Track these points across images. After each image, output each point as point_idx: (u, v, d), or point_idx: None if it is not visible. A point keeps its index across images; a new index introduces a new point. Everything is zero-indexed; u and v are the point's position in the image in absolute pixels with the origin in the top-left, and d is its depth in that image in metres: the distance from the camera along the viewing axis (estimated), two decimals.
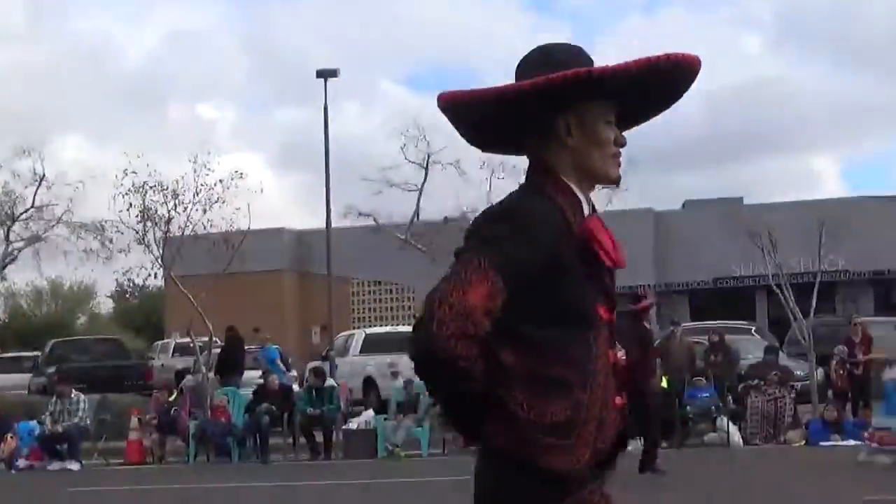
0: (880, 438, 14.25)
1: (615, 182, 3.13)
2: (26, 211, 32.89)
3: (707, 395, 19.97)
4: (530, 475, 2.90)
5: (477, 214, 3.03)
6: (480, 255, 2.85)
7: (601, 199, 29.07)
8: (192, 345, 25.88)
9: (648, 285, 41.52)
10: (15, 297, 76.36)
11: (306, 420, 20.80)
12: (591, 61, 3.07)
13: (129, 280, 37.35)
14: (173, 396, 22.46)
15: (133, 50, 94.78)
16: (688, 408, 19.93)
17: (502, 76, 78.59)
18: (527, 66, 3.08)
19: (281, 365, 25.74)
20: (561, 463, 2.89)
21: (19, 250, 33.12)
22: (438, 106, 3.15)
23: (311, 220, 56.14)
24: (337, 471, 18.83)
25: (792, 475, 14.62)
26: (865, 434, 15.40)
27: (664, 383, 20.19)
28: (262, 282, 41.38)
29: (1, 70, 77.94)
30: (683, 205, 46.24)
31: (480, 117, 3.12)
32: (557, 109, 3.03)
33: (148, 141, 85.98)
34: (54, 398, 21.31)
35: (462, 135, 3.27)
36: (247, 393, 22.25)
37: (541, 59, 3.06)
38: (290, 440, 21.25)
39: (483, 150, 3.42)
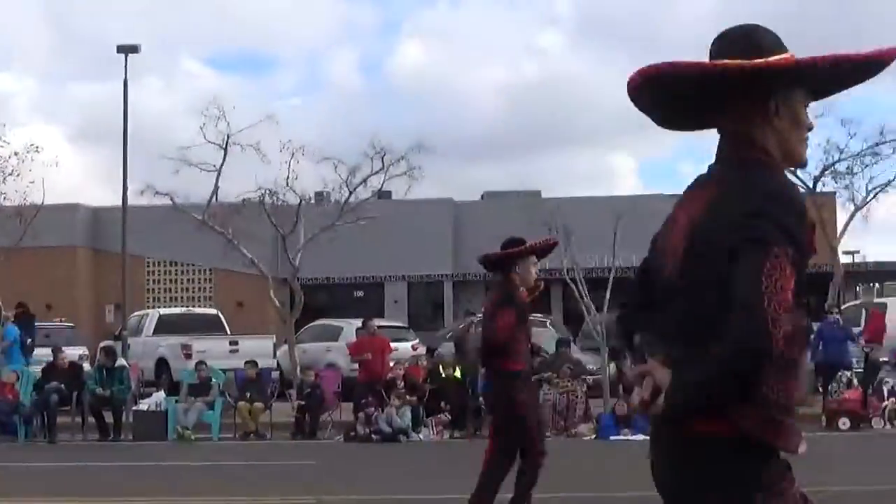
0: None
1: (804, 165, 3.37)
2: None
3: None
4: (768, 455, 3.09)
5: (754, 195, 3.07)
6: (785, 246, 2.97)
7: (401, 187, 29.49)
8: None
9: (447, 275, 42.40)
10: None
11: (96, 400, 20.52)
12: (786, 48, 3.25)
13: None
14: None
15: None
16: (480, 398, 20.34)
17: (303, 59, 78.21)
18: (731, 47, 3.22)
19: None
20: (792, 444, 3.10)
21: None
22: (638, 79, 3.22)
23: (109, 196, 54.97)
24: (126, 452, 18.69)
25: (579, 466, 15.09)
26: None
27: (458, 373, 20.69)
28: (55, 257, 40.44)
29: None
30: (482, 196, 47.10)
31: (676, 93, 3.23)
32: (771, 90, 3.21)
33: None
34: None
35: (649, 110, 3.38)
36: (36, 371, 21.81)
37: (747, 42, 3.21)
38: (79, 420, 20.92)
39: (666, 127, 3.53)
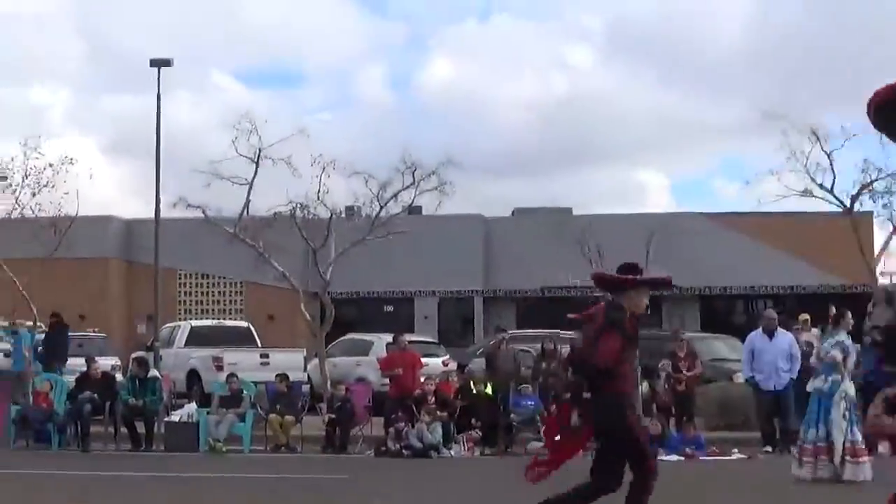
0: (816, 452, 14.21)
1: None
2: None
3: (532, 403, 20.33)
4: None
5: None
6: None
7: (431, 202, 29.56)
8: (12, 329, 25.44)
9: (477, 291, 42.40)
10: None
11: (128, 410, 20.66)
12: None
13: None
14: None
15: None
16: (512, 415, 20.38)
17: (333, 74, 78.45)
18: None
19: (28, 353, 24.62)
20: None
21: None
22: (878, 99, 3.34)
23: (142, 209, 55.21)
24: (157, 462, 18.77)
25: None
26: (795, 449, 15.08)
27: (489, 390, 20.70)
28: (88, 269, 40.73)
29: None
30: (513, 212, 47.13)
31: None
32: None
33: None
34: None
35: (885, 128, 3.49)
36: (70, 380, 21.98)
37: None
38: (112, 429, 21.05)
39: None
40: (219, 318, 37.33)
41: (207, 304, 44.34)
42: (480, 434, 20.10)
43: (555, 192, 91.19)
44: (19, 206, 27.14)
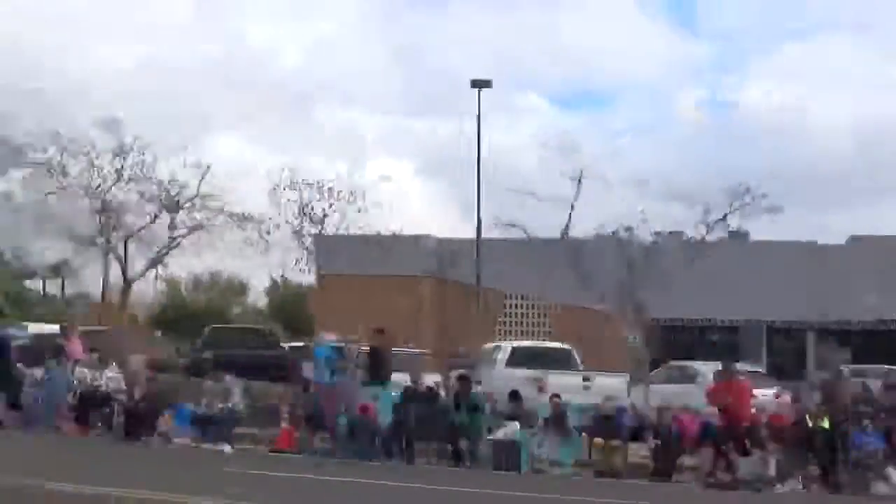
0: None
1: None
2: (190, 200, 33.82)
3: (874, 440, 19.10)
4: None
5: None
6: None
7: (759, 227, 28.39)
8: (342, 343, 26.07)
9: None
10: (175, 285, 78.61)
11: (452, 426, 20.66)
12: None
13: (281, 275, 37.60)
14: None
15: (287, 54, 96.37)
16: (852, 453, 19.08)
17: (646, 95, 77.70)
18: None
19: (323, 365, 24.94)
20: None
21: (183, 236, 34.11)
22: None
23: (455, 228, 56.24)
24: (480, 480, 18.62)
25: None
26: None
27: (826, 424, 19.49)
28: (404, 286, 41.57)
29: (165, 65, 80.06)
30: (849, 240, 44.70)
31: None
32: None
33: (299, 144, 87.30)
34: (209, 381, 21.63)
35: None
36: (395, 394, 22.23)
37: None
38: (435, 445, 21.11)
39: None
40: (538, 339, 37.24)
41: (525, 326, 44.42)
42: (819, 471, 18.93)
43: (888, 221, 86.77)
44: (345, 223, 28.04)
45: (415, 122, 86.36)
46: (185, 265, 42.78)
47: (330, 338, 24.21)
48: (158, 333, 55.56)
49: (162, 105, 77.20)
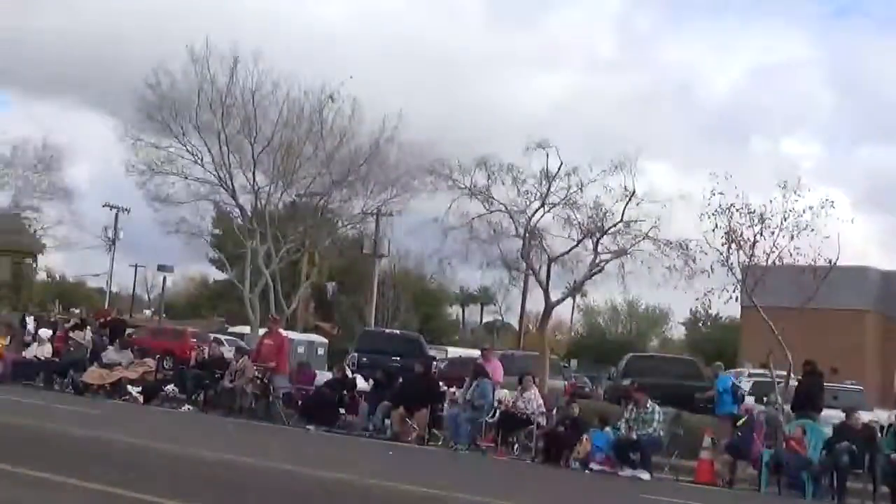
0: None
1: None
2: (615, 225, 33.60)
3: None
4: None
5: None
6: None
7: None
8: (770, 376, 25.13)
9: None
10: (593, 313, 79.41)
11: (889, 465, 19.07)
12: None
13: (704, 305, 36.69)
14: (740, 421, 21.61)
15: (719, 82, 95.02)
16: None
17: None
18: None
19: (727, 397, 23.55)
20: None
21: (606, 262, 33.96)
22: None
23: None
24: None
25: None
26: None
27: None
28: (843, 320, 39.51)
29: (595, 93, 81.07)
30: None
31: None
32: None
33: (731, 171, 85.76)
34: (630, 406, 21.21)
35: None
36: (826, 429, 20.88)
37: None
38: (870, 486, 19.56)
39: None
40: None
41: None
42: None
43: None
44: (777, 249, 26.82)
45: (853, 151, 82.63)
46: (604, 292, 42.83)
47: (745, 368, 23.28)
48: (574, 362, 56.21)
49: (591, 132, 78.45)
